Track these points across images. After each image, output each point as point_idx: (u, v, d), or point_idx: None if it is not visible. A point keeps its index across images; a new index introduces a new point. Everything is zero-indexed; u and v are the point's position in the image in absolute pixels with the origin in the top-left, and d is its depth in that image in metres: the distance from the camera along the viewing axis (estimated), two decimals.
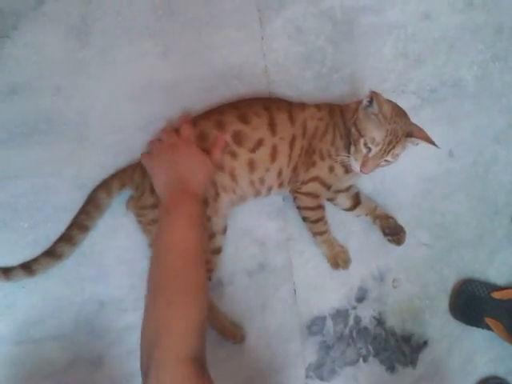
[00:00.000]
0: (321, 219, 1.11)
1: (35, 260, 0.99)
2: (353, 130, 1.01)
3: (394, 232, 1.17)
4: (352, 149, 1.01)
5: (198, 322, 0.77)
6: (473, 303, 1.25)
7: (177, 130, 0.99)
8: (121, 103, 1.04)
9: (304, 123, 1.06)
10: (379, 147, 0.96)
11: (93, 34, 1.00)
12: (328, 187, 1.08)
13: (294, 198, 1.09)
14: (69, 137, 1.01)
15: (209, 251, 1.06)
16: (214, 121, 1.02)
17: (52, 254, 1.00)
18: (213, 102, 1.08)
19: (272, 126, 1.03)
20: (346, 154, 1.02)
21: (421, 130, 1.00)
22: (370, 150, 0.97)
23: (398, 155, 0.99)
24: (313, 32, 1.15)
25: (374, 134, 0.96)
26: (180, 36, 1.06)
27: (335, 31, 1.16)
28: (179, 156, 0.95)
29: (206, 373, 0.73)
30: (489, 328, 1.25)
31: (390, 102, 0.99)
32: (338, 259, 1.16)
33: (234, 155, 1.02)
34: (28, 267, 0.99)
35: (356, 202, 1.17)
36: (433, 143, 0.99)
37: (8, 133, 0.98)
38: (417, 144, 1.00)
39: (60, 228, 1.02)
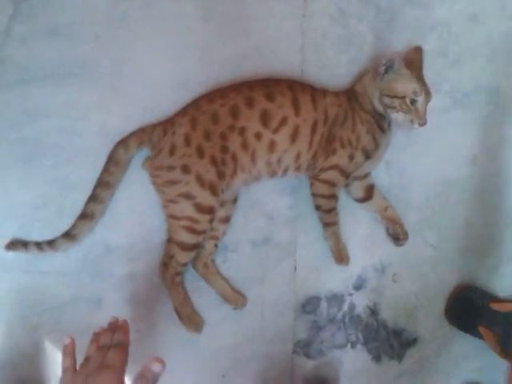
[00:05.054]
0: (333, 209, 1.12)
1: (73, 226, 1.05)
2: (386, 100, 1.03)
3: (396, 236, 1.19)
4: (399, 116, 1.03)
5: None
6: (469, 309, 1.25)
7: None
8: (155, 60, 1.06)
9: (325, 110, 1.07)
10: (423, 93, 1.02)
11: None
12: (347, 176, 1.09)
13: (311, 185, 1.11)
14: (101, 84, 1.04)
15: (217, 219, 1.10)
16: (244, 97, 1.03)
17: (85, 215, 1.05)
18: (244, 71, 1.10)
19: (295, 106, 1.04)
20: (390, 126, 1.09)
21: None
22: (416, 101, 1.02)
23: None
24: (355, 16, 1.14)
25: (412, 86, 1.01)
26: (222, 2, 1.06)
27: (378, 19, 1.15)
28: None
29: None
30: (480, 337, 1.25)
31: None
32: (343, 254, 1.18)
33: (258, 136, 1.04)
34: (68, 234, 1.05)
35: (368, 195, 1.17)
36: None
37: (44, 71, 1.02)
38: None
39: (79, 171, 1.06)
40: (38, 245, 1.05)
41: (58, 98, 1.03)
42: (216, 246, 1.12)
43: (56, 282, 1.09)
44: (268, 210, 1.17)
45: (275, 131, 1.03)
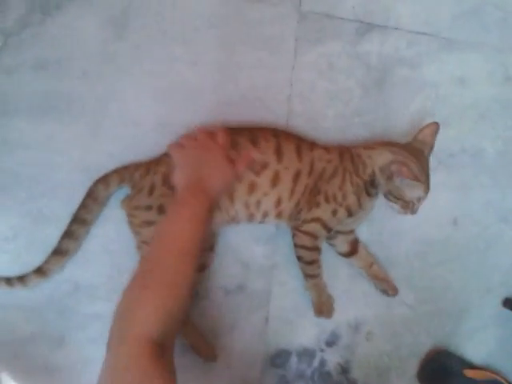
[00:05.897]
0: (315, 261, 1.10)
1: (45, 262, 1.03)
2: (392, 198, 1.04)
3: (384, 291, 1.17)
4: (395, 206, 1.05)
5: (169, 311, 0.78)
6: (442, 375, 1.23)
7: (213, 135, 1.02)
8: (141, 100, 1.06)
9: (312, 162, 1.06)
10: (426, 194, 1.04)
11: (130, 28, 1.03)
12: (328, 230, 1.07)
13: (293, 236, 1.08)
14: (84, 121, 1.04)
15: None
16: (230, 140, 1.03)
17: (58, 252, 1.04)
18: (229, 117, 1.10)
19: (278, 154, 1.04)
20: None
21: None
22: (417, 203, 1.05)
23: None
24: (344, 72, 1.15)
25: (419, 193, 1.02)
26: (213, 48, 1.07)
27: (367, 76, 1.16)
28: (208, 158, 0.99)
29: (164, 360, 0.75)
30: None
31: (408, 158, 1.03)
32: (324, 308, 1.15)
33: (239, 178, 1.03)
34: (40, 270, 1.04)
35: (353, 249, 1.16)
36: None
37: (28, 105, 1.02)
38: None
39: (54, 205, 1.05)
40: (8, 280, 1.02)
41: (39, 131, 1.02)
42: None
43: (17, 316, 1.06)
44: (244, 257, 1.15)
45: (257, 173, 1.03)
